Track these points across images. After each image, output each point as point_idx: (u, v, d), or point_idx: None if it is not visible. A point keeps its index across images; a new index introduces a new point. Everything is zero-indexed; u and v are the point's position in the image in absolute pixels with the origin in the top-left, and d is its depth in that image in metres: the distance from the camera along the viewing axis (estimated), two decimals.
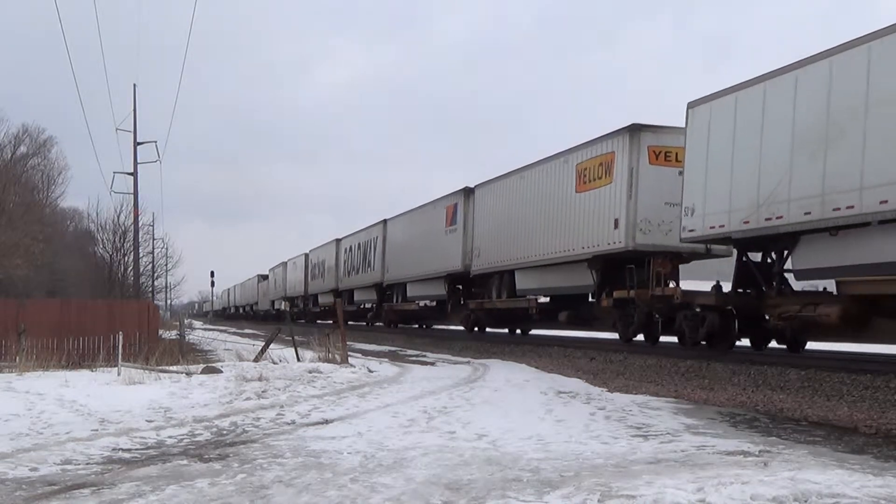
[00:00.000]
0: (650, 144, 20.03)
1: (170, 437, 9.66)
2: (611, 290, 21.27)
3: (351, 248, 46.25)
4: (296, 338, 20.89)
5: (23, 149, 49.92)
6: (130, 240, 41.97)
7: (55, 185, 54.34)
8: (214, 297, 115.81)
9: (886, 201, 13.21)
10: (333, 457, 8.26)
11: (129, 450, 8.86)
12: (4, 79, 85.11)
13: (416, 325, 40.60)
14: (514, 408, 12.01)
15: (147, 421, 10.78)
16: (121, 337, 17.74)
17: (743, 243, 17.48)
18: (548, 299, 25.83)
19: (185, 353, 22.76)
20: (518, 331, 30.65)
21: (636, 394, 13.87)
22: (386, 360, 22.23)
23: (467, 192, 30.71)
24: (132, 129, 35.22)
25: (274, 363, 17.99)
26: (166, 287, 69.80)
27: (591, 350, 20.23)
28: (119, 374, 15.62)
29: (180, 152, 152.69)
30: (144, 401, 12.49)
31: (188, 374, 15.82)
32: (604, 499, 6.32)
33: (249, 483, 7.07)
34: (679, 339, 19.79)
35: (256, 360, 18.80)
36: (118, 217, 48.93)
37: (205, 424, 10.54)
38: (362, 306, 46.37)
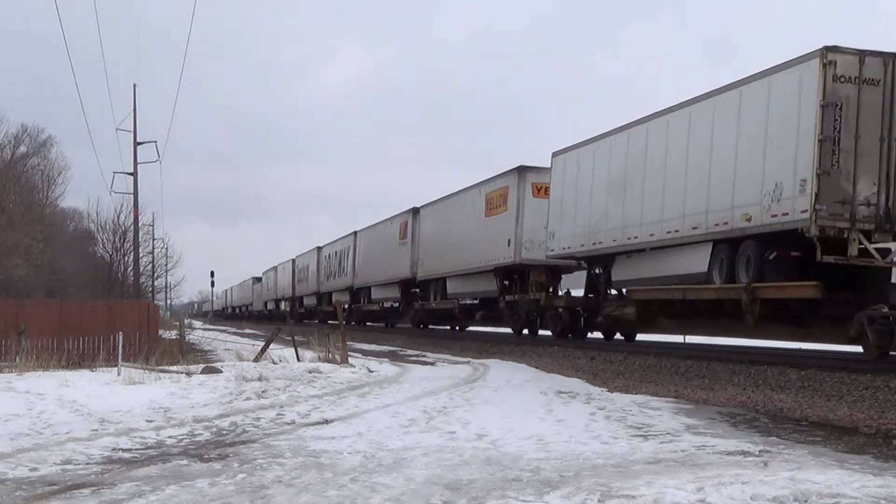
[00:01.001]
0: (534, 181, 25.30)
1: (170, 437, 9.66)
2: (505, 295, 26.80)
3: (329, 255, 51.10)
4: (296, 338, 20.90)
5: (22, 149, 49.86)
6: (130, 240, 41.99)
7: (55, 185, 54.33)
8: (214, 298, 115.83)
9: (653, 234, 18.65)
10: (333, 457, 8.26)
11: (129, 450, 8.86)
12: (4, 79, 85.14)
13: (383, 324, 44.80)
14: (514, 408, 12.01)
15: (147, 421, 10.78)
16: (121, 337, 17.71)
17: (588, 260, 22.87)
18: (476, 301, 31.09)
19: (185, 353, 22.77)
20: (457, 328, 36.09)
21: (636, 394, 13.88)
22: (386, 360, 22.24)
23: (415, 211, 36.05)
24: (132, 129, 35.27)
25: (274, 363, 17.98)
26: (166, 287, 69.75)
27: (591, 350, 20.30)
28: (119, 374, 15.60)
29: (180, 152, 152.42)
30: (144, 401, 12.49)
31: (188, 374, 15.81)
32: (604, 499, 6.32)
33: (249, 483, 7.07)
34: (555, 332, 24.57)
35: (256, 360, 18.79)
36: (118, 217, 48.96)
37: (205, 424, 10.54)
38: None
